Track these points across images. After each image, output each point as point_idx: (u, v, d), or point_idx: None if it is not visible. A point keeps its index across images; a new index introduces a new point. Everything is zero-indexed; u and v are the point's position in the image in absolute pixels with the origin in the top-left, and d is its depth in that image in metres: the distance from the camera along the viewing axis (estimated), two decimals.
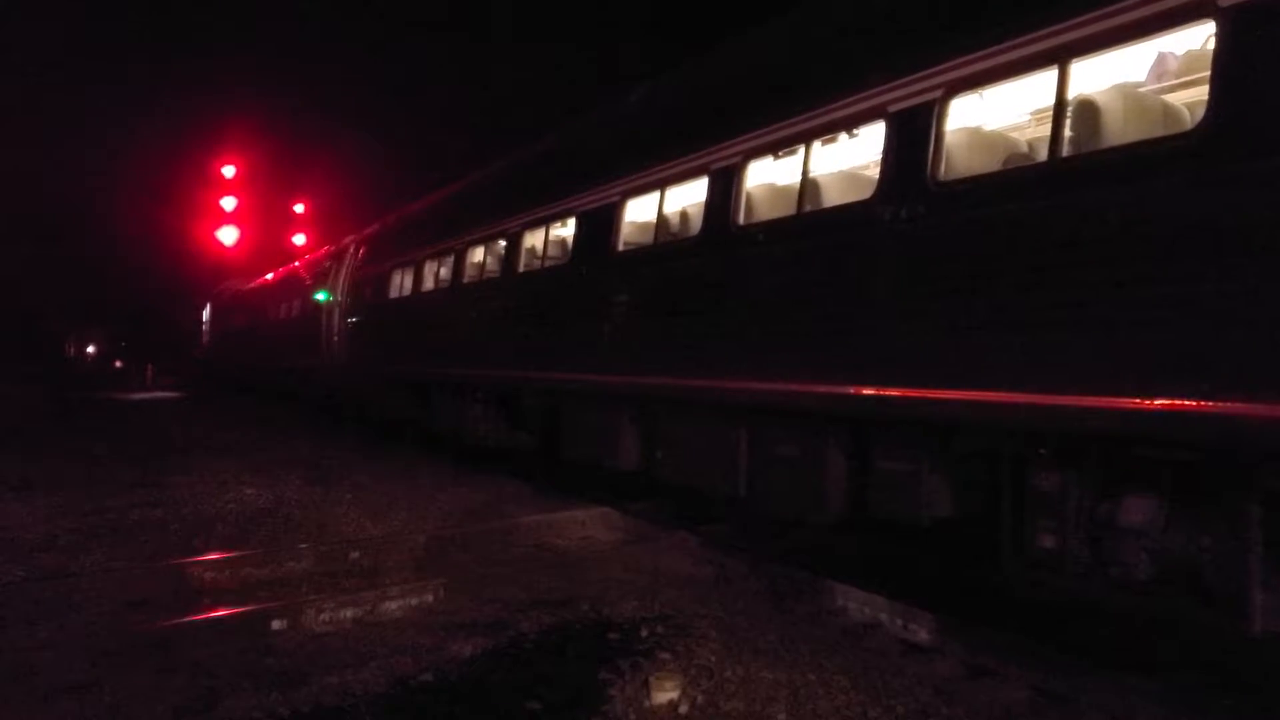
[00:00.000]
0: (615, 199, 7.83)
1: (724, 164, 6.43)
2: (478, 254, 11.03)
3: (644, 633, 5.12)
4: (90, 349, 72.36)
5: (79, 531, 7.60)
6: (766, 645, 4.91)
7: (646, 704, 4.13)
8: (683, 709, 4.09)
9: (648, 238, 7.61)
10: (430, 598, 5.74)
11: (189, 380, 36.83)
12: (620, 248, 7.77)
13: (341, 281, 16.83)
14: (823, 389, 5.34)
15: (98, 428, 17.03)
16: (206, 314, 36.80)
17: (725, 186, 6.37)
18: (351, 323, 16.13)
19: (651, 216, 7.57)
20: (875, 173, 5.26)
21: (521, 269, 9.73)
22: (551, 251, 9.42)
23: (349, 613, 5.40)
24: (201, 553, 6.78)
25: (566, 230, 9.14)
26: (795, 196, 5.86)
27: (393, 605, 5.57)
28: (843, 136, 5.78)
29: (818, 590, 5.73)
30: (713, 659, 4.68)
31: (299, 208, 41.90)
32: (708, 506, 8.06)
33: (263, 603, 5.57)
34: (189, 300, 41.93)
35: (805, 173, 5.77)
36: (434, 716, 4.06)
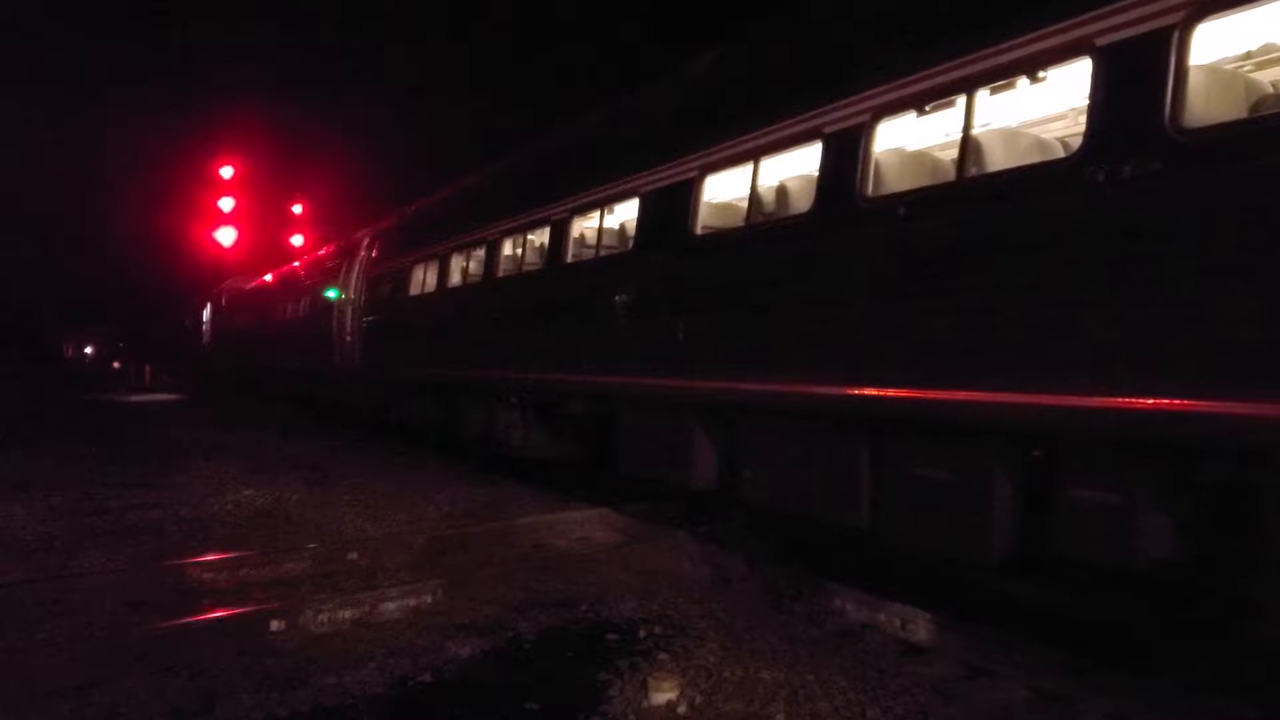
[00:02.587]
0: (692, 174, 6.81)
1: (844, 125, 5.46)
2: (515, 245, 10.09)
3: (642, 633, 5.13)
4: (88, 350, 72.40)
5: (77, 532, 7.61)
6: (765, 646, 4.92)
7: (645, 704, 4.13)
8: (681, 709, 4.09)
9: (735, 218, 6.65)
10: (429, 598, 5.74)
11: (188, 381, 36.80)
12: (698, 231, 6.75)
13: (354, 279, 16.24)
14: (988, 397, 4.38)
15: (96, 429, 17.03)
16: (206, 314, 36.64)
17: (846, 152, 5.40)
18: (366, 322, 15.39)
19: (739, 193, 6.63)
20: (1074, 125, 4.43)
21: (569, 259, 8.68)
22: (606, 239, 8.49)
23: (347, 613, 5.39)
24: (200, 554, 6.77)
25: (626, 214, 8.36)
26: (953, 159, 4.91)
27: (391, 606, 5.56)
28: (1022, 82, 4.74)
29: (816, 590, 5.72)
30: (711, 659, 4.68)
31: (297, 208, 42.05)
32: (705, 507, 8.06)
33: (261, 603, 5.57)
34: (188, 300, 41.85)
35: (967, 129, 4.74)
36: (432, 717, 4.06)
